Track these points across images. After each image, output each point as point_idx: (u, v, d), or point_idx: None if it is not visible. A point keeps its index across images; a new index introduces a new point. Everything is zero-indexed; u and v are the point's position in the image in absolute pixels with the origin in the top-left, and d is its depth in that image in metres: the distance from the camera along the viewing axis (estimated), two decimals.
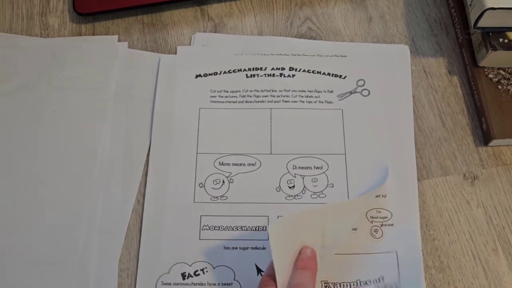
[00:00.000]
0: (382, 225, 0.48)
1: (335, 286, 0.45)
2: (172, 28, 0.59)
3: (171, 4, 0.59)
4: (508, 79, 0.53)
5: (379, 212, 0.48)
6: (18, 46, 0.57)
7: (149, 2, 0.58)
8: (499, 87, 0.53)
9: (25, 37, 0.58)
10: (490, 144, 0.51)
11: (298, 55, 0.56)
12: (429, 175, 0.51)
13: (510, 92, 0.52)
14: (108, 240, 0.48)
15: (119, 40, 0.58)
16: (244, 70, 0.55)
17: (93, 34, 0.58)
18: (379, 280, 0.46)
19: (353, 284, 0.45)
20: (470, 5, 0.52)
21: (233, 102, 0.54)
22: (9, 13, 0.59)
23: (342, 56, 0.56)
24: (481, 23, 0.50)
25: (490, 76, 0.53)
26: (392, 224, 0.48)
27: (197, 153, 0.52)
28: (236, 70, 0.55)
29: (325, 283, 0.46)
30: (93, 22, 0.59)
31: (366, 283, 0.45)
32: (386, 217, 0.48)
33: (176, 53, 0.57)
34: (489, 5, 0.48)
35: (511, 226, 0.49)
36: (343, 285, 0.45)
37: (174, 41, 0.58)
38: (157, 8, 0.59)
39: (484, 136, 0.52)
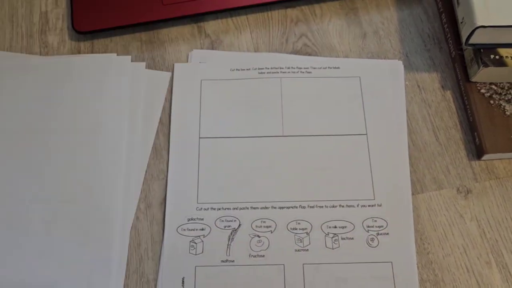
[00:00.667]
0: (378, 234, 0.49)
1: None
2: (170, 45, 0.59)
3: (168, 22, 0.60)
4: (500, 93, 0.54)
5: (375, 221, 0.49)
6: (18, 65, 0.57)
7: (146, 20, 0.59)
8: (491, 102, 0.54)
9: (25, 55, 0.59)
10: (483, 158, 0.52)
11: (292, 67, 0.57)
12: (423, 189, 0.52)
13: (502, 106, 0.53)
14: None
15: None
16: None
17: (92, 52, 0.59)
18: None
19: None
20: (461, 22, 0.53)
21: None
22: (9, 32, 0.60)
23: (335, 68, 0.57)
24: (472, 40, 0.51)
25: (482, 91, 0.54)
26: (387, 233, 0.49)
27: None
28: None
29: None
30: (91, 40, 0.59)
31: None
32: (382, 226, 0.49)
33: (173, 70, 0.58)
34: (480, 23, 0.49)
35: (504, 239, 0.49)
36: None
37: (172, 58, 0.59)
38: (154, 25, 0.60)
39: (477, 150, 0.53)
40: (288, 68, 0.57)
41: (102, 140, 0.53)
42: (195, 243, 0.49)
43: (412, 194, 0.51)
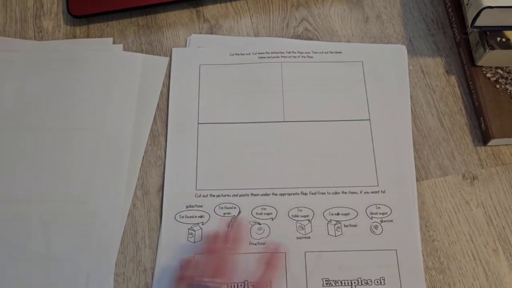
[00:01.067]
0: (382, 221, 0.48)
1: (336, 284, 0.45)
2: (167, 30, 0.58)
3: (166, 6, 0.58)
4: (506, 78, 0.52)
5: (379, 208, 0.48)
6: (11, 50, 0.56)
7: (144, 3, 0.57)
8: (497, 86, 0.52)
9: (19, 40, 0.57)
10: (489, 143, 0.51)
11: (293, 52, 0.56)
12: (428, 175, 0.51)
13: (508, 91, 0.52)
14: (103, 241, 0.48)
15: (114, 43, 0.57)
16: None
17: (88, 37, 0.57)
18: (380, 281, 0.45)
19: (354, 282, 0.45)
20: (467, 4, 0.52)
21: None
22: (2, 16, 0.58)
23: (337, 52, 0.56)
24: (478, 22, 0.50)
25: (488, 75, 0.53)
26: (391, 221, 0.48)
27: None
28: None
29: (326, 280, 0.45)
30: (87, 25, 0.58)
31: (367, 283, 0.45)
32: (386, 213, 0.48)
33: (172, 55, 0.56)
34: (486, 3, 0.48)
35: (511, 226, 0.48)
36: (344, 282, 0.45)
37: (170, 43, 0.57)
38: (152, 9, 0.59)
39: (482, 136, 0.52)
40: (289, 52, 0.56)
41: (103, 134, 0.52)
42: (194, 230, 0.48)
43: (417, 180, 0.50)
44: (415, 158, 0.51)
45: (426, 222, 0.48)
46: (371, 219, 0.48)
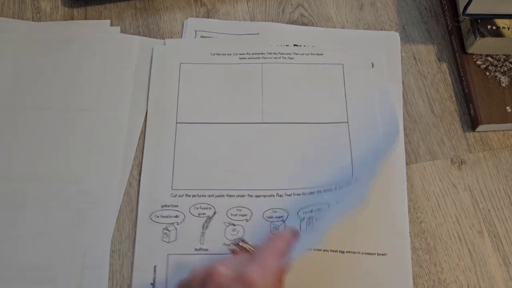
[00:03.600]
0: None
1: None
2: (165, 13, 0.59)
3: None
4: (496, 65, 0.54)
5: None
6: (9, 30, 0.57)
7: None
8: (487, 73, 0.53)
9: (17, 20, 0.57)
10: (477, 129, 0.52)
11: (274, 53, 0.56)
12: (417, 159, 0.52)
13: (497, 78, 0.53)
14: (99, 219, 0.49)
15: (111, 25, 0.58)
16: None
17: (85, 18, 0.58)
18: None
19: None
20: None
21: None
22: None
23: (318, 54, 0.56)
24: (469, 10, 0.51)
25: (478, 62, 0.54)
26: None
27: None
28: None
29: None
30: (85, 6, 0.59)
31: None
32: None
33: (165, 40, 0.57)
34: None
35: (496, 209, 0.50)
36: None
37: (166, 26, 0.58)
38: None
39: (471, 122, 0.53)
40: (270, 54, 0.55)
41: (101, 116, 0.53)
42: (168, 230, 0.48)
43: (406, 164, 0.51)
44: (405, 143, 0.52)
45: (415, 204, 0.50)
46: None
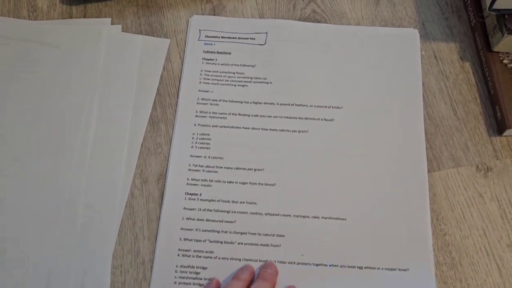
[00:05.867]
0: None
1: None
2: (168, 11, 0.55)
3: None
4: None
5: None
6: (4, 29, 0.53)
7: None
8: None
9: (12, 19, 0.54)
10: (505, 133, 0.49)
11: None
12: (440, 166, 0.48)
13: None
14: (100, 232, 0.46)
15: (112, 23, 0.54)
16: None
17: (84, 17, 0.55)
18: None
19: None
20: None
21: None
22: None
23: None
24: (497, 5, 0.47)
25: (505, 61, 0.50)
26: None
27: None
28: None
29: None
30: (84, 4, 0.55)
31: None
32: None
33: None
34: None
35: None
36: None
37: (170, 24, 0.55)
38: None
39: (498, 126, 0.49)
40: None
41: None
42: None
43: (428, 171, 0.48)
44: (426, 149, 0.49)
45: (438, 216, 0.46)
46: None
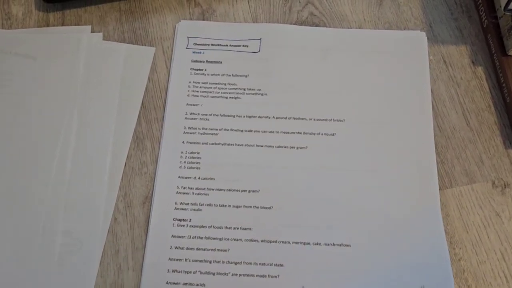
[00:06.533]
0: None
1: None
2: (154, 16, 0.51)
3: None
4: None
5: None
6: None
7: None
8: None
9: None
10: None
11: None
12: (452, 183, 0.44)
13: None
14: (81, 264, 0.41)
15: (92, 31, 0.50)
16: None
17: (63, 24, 0.51)
18: None
19: None
20: None
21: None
22: None
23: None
24: None
25: None
26: None
27: None
28: None
29: None
30: (62, 10, 0.51)
31: None
32: None
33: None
34: None
35: None
36: None
37: (156, 30, 0.50)
38: None
39: None
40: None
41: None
42: None
43: (440, 189, 0.44)
44: (437, 163, 0.44)
45: (451, 238, 0.42)
46: None
